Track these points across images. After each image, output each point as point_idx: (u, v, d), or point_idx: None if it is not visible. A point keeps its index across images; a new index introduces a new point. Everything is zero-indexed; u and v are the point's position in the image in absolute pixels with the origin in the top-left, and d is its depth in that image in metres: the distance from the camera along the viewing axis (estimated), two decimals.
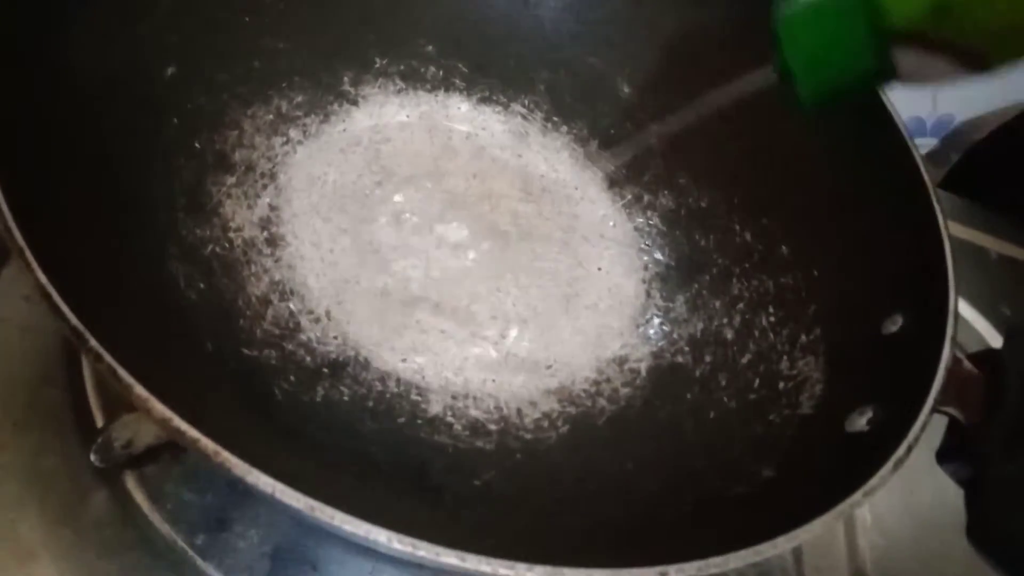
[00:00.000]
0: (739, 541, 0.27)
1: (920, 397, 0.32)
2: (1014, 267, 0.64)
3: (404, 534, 0.23)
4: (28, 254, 0.23)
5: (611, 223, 0.45)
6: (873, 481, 0.29)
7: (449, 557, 0.23)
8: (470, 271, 0.40)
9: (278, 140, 0.40)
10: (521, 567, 0.23)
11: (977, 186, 0.70)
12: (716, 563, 0.26)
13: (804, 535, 0.27)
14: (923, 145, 0.75)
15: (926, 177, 0.39)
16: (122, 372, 0.22)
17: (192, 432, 0.22)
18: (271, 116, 0.40)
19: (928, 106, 0.72)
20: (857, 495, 0.29)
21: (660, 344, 0.41)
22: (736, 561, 0.26)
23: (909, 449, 0.31)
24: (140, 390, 0.22)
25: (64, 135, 0.30)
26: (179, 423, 0.22)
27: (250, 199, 0.37)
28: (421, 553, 0.23)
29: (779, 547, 0.27)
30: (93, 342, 0.23)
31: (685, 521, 0.32)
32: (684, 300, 0.43)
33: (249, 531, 0.33)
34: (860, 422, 0.34)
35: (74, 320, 0.23)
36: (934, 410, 0.32)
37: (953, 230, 0.67)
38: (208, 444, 0.22)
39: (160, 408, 0.22)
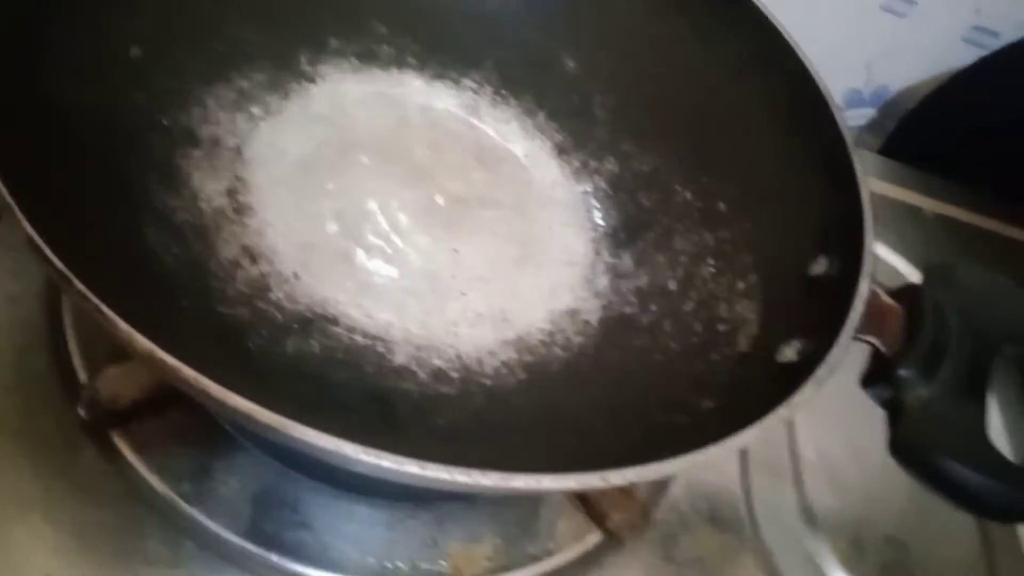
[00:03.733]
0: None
1: (841, 327, 0.35)
2: (947, 224, 0.68)
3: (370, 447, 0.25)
4: (17, 210, 0.26)
5: (560, 188, 0.48)
6: (796, 397, 0.33)
7: (411, 467, 0.26)
8: (429, 233, 0.42)
9: (241, 117, 0.42)
10: (476, 474, 0.26)
11: (914, 151, 0.74)
12: (653, 469, 0.29)
13: (734, 443, 0.30)
14: (861, 115, 0.79)
15: (845, 134, 0.42)
16: (107, 310, 0.25)
17: (173, 361, 0.24)
18: (234, 95, 0.42)
19: (863, 77, 0.75)
20: (782, 409, 0.32)
21: (609, 297, 0.44)
22: (672, 468, 0.29)
23: (831, 370, 0.34)
24: (124, 325, 0.25)
25: (41, 111, 0.32)
26: (161, 354, 0.25)
27: (218, 171, 0.40)
28: (385, 464, 0.25)
29: (711, 455, 0.30)
30: (78, 284, 0.25)
31: (633, 449, 0.35)
32: (631, 256, 0.45)
33: (231, 478, 0.36)
34: (790, 353, 0.37)
35: (60, 264, 0.25)
36: (854, 338, 0.36)
37: (890, 192, 0.71)
38: (188, 371, 0.24)
39: (143, 341, 0.25)
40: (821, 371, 0.33)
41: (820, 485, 0.49)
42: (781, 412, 0.32)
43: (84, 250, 0.29)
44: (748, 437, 0.31)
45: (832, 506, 0.49)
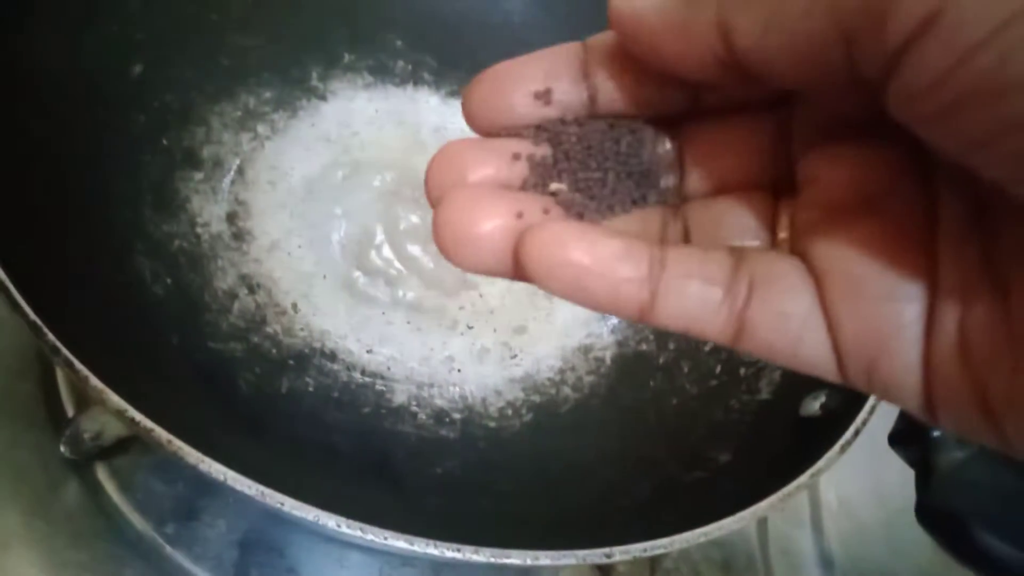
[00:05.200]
0: (691, 524, 0.28)
1: None
2: None
3: (354, 519, 0.24)
4: None
5: None
6: (819, 464, 0.30)
7: (398, 541, 0.24)
8: (438, 263, 0.40)
9: (246, 136, 0.40)
10: (468, 550, 0.24)
11: None
12: (662, 544, 0.27)
13: (751, 516, 0.28)
14: None
15: None
16: (78, 364, 0.23)
17: (145, 422, 0.23)
18: (239, 112, 0.41)
19: None
20: (803, 478, 0.30)
21: (625, 333, 0.42)
22: (681, 543, 0.27)
23: (856, 432, 0.32)
24: (95, 381, 0.23)
25: (26, 132, 0.30)
26: (133, 413, 0.23)
27: (218, 194, 0.38)
28: (370, 537, 0.24)
29: (724, 528, 0.28)
30: (50, 336, 0.23)
31: (642, 506, 0.33)
32: None
33: (218, 520, 0.34)
34: (813, 407, 0.35)
35: (31, 315, 0.23)
36: None
37: None
38: (161, 433, 0.23)
39: (115, 399, 0.23)
40: (847, 434, 0.31)
41: (841, 532, 0.47)
42: (800, 481, 0.30)
43: (65, 288, 0.28)
44: (764, 508, 0.29)
45: (854, 555, 0.47)
